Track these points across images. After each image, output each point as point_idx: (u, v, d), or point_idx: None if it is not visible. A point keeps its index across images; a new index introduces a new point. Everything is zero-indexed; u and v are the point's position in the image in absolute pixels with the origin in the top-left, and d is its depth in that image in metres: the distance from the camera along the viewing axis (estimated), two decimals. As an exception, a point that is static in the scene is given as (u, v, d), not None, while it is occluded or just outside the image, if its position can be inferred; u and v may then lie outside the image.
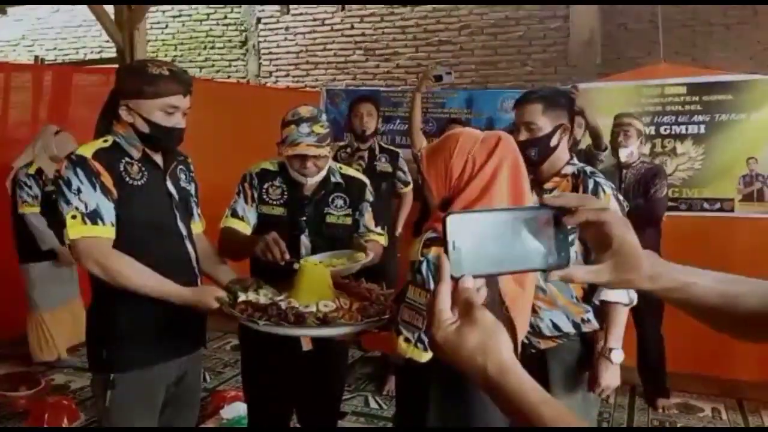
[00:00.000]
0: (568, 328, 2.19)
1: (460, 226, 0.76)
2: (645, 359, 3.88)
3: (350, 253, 2.14)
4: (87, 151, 1.84)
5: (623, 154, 3.75)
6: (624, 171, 3.77)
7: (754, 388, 4.07)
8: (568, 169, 2.23)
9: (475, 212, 0.83)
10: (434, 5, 6.81)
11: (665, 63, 4.56)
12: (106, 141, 1.90)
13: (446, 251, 0.76)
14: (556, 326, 2.19)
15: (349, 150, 4.16)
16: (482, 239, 0.76)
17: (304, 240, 2.26)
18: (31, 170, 4.22)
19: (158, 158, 1.96)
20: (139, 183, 1.88)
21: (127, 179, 1.86)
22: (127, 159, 1.89)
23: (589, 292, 2.21)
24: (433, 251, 1.52)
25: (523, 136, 2.22)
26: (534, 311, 2.19)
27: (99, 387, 1.89)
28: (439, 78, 4.06)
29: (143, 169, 1.91)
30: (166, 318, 1.87)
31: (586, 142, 3.97)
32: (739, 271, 0.90)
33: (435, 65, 4.95)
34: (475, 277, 0.76)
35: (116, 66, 6.05)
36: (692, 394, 4.14)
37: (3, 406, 3.76)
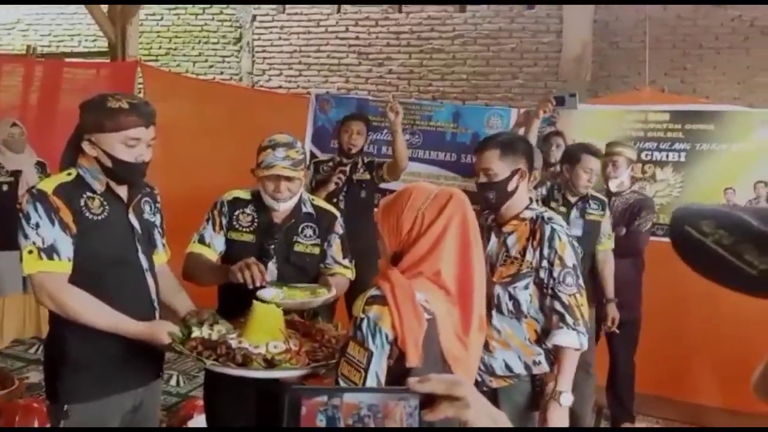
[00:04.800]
0: (519, 369, 2.26)
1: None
2: (614, 384, 3.92)
3: (314, 287, 2.17)
4: (48, 186, 1.87)
5: (613, 185, 3.79)
6: (613, 198, 3.81)
7: (718, 415, 4.12)
8: (527, 214, 2.31)
9: (320, 390, 0.73)
10: (429, 13, 6.82)
11: (649, 89, 4.59)
12: (69, 174, 1.93)
13: None
14: (508, 366, 2.26)
15: (331, 164, 4.16)
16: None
17: (272, 267, 2.28)
18: None
19: (122, 191, 1.98)
20: (100, 217, 1.91)
21: (87, 214, 1.89)
22: (88, 193, 1.92)
23: (542, 334, 2.27)
24: (374, 309, 1.52)
25: (482, 179, 2.34)
26: (488, 350, 2.26)
27: (54, 416, 1.93)
28: (561, 101, 3.70)
29: (104, 203, 1.93)
30: (120, 350, 1.90)
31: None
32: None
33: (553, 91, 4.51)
34: None
35: (107, 60, 6.12)
36: (657, 419, 4.19)
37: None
